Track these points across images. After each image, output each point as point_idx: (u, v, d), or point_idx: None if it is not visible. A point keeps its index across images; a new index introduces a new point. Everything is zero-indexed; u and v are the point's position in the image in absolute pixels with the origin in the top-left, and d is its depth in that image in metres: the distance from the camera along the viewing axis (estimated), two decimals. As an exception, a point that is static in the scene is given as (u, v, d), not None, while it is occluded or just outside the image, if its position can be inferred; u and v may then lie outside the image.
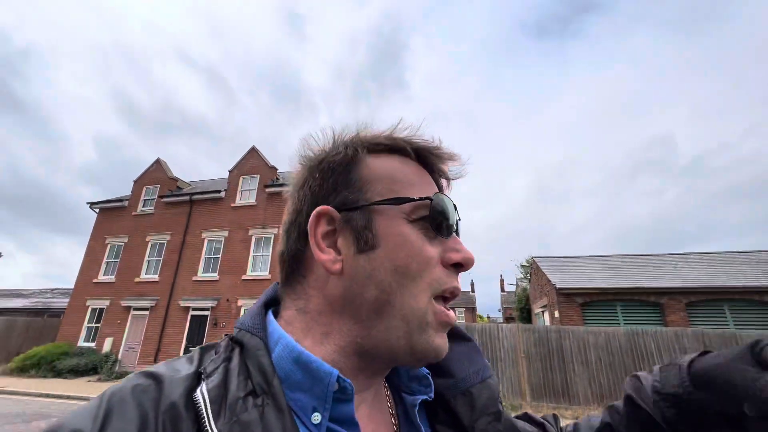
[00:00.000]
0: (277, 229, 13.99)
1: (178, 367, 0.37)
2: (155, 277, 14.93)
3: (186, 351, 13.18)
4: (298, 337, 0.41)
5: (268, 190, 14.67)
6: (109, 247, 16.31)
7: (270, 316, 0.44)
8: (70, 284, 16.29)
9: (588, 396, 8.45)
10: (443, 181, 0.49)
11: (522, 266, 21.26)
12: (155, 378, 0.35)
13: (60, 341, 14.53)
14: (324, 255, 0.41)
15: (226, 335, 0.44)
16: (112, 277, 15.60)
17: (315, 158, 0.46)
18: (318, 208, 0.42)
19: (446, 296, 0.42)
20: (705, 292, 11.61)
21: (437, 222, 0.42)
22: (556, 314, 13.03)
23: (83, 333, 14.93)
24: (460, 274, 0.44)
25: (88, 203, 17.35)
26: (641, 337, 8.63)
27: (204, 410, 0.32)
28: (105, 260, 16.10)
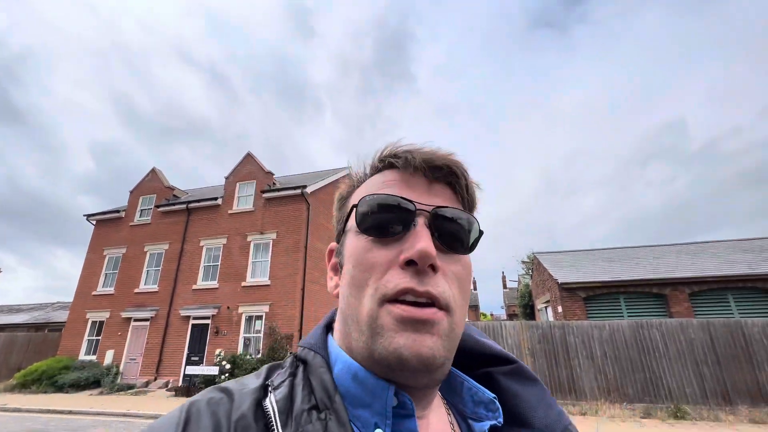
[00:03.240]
0: (275, 234, 13.90)
1: (246, 382, 0.41)
2: (154, 287, 14.83)
3: (188, 360, 13.07)
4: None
5: (264, 195, 14.57)
6: (107, 258, 16.21)
7: (330, 337, 0.47)
8: (72, 297, 16.19)
9: (594, 391, 8.36)
10: (417, 176, 0.46)
11: (523, 262, 21.17)
12: (227, 392, 0.39)
13: (61, 355, 14.43)
14: (330, 282, 0.50)
15: (291, 353, 0.51)
16: (111, 288, 15.50)
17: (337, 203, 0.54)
18: (330, 245, 0.51)
19: (402, 300, 0.38)
20: (708, 282, 11.54)
21: (367, 224, 0.42)
22: (560, 309, 12.95)
23: (84, 346, 14.82)
24: (430, 272, 0.39)
25: (84, 215, 17.26)
26: (646, 329, 8.54)
27: (273, 418, 0.35)
28: (104, 272, 16.00)
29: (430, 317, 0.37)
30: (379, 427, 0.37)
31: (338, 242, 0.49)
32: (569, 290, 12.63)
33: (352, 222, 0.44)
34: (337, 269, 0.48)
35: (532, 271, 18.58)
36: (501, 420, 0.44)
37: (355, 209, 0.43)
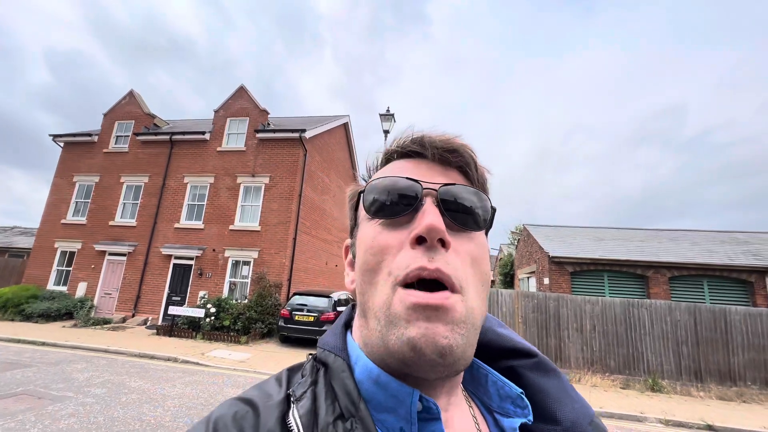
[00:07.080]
0: (267, 178, 13.09)
1: (269, 391, 0.39)
2: (132, 222, 13.88)
3: (169, 300, 12.64)
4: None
5: (258, 135, 13.48)
6: (77, 186, 14.88)
7: (349, 335, 0.45)
8: (33, 223, 14.95)
9: (579, 360, 8.75)
10: (425, 162, 0.45)
11: (512, 232, 21.53)
12: (251, 405, 0.37)
13: (27, 283, 13.57)
14: (347, 278, 0.48)
15: (310, 355, 0.45)
16: (83, 218, 14.39)
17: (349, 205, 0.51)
18: (346, 242, 0.50)
19: (418, 281, 0.36)
20: (689, 268, 12.08)
21: (375, 208, 0.41)
22: (546, 281, 13.30)
23: (53, 276, 13.97)
24: (440, 249, 0.37)
25: (50, 135, 15.50)
26: (636, 308, 8.85)
27: None
28: (74, 200, 14.75)
29: (441, 302, 0.35)
30: None
31: (351, 237, 0.48)
32: (558, 264, 12.90)
33: (361, 210, 0.44)
34: (353, 264, 0.46)
35: (518, 242, 18.92)
36: (531, 418, 0.42)
37: (361, 195, 0.43)
